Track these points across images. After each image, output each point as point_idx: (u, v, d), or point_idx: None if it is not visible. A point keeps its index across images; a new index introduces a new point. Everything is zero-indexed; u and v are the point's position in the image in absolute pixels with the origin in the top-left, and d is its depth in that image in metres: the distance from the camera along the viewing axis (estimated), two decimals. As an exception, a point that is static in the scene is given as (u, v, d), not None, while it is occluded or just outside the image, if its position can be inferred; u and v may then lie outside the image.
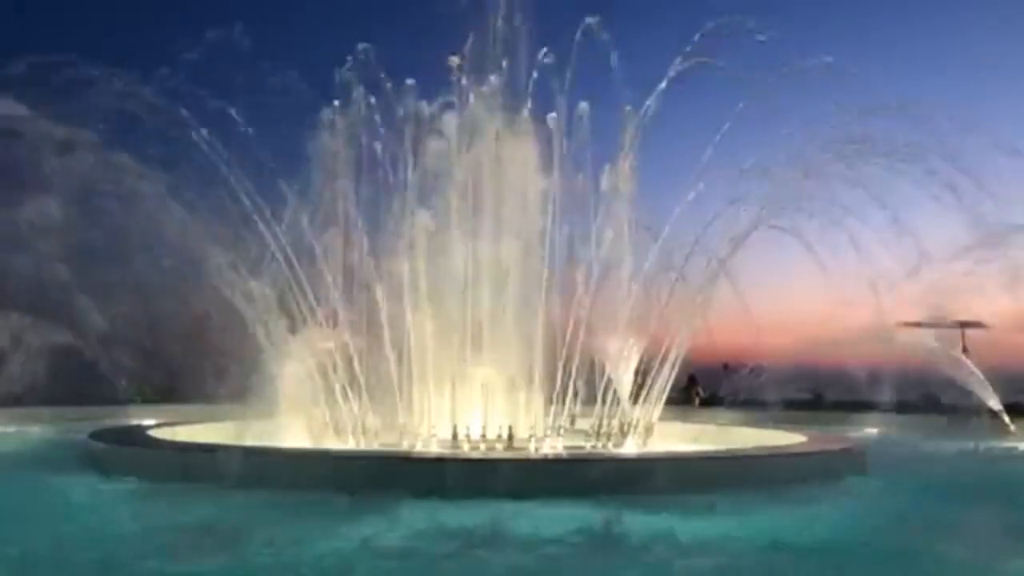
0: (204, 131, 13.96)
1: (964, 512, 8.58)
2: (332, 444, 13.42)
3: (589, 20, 15.15)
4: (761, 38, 14.43)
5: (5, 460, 12.78)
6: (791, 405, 23.42)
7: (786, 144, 14.73)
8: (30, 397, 17.44)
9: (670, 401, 15.58)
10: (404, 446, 13.05)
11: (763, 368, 18.21)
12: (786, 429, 15.11)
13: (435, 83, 15.41)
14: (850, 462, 12.03)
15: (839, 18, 36.83)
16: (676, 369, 14.76)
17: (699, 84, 15.77)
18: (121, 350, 15.99)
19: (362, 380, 13.93)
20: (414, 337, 13.95)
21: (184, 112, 13.90)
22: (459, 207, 14.65)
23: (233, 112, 14.39)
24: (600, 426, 14.26)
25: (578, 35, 15.11)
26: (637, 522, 7.54)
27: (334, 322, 14.23)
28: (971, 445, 15.76)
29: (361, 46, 15.42)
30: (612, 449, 13.78)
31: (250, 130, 14.39)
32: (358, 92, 15.29)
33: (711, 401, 26.63)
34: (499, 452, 12.67)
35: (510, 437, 13.21)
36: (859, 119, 14.13)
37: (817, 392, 26.84)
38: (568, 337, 14.43)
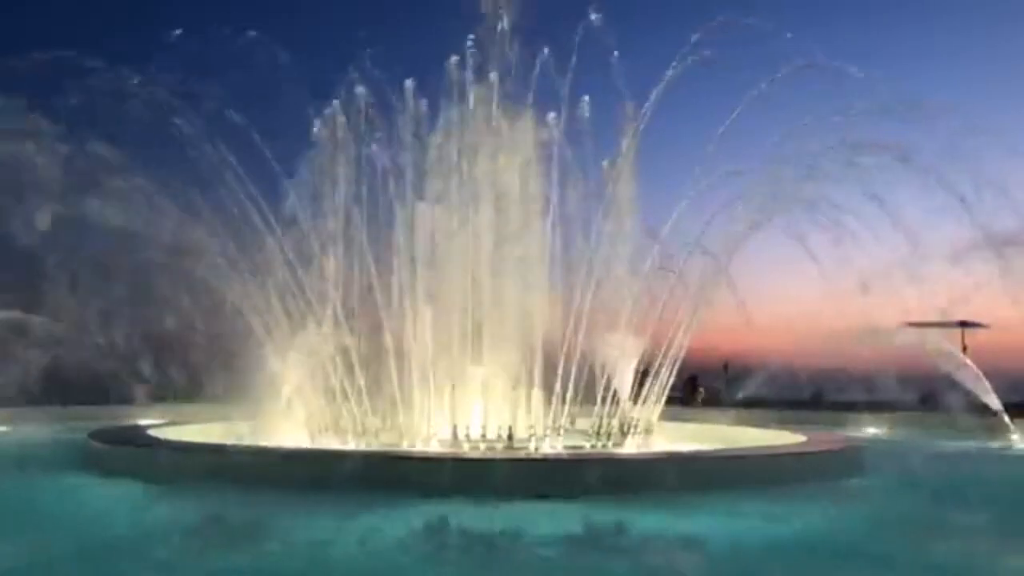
0: (202, 129, 13.98)
1: (962, 512, 8.55)
2: (332, 444, 13.41)
3: (591, 17, 15.12)
4: (762, 36, 14.43)
5: (4, 460, 12.77)
6: (791, 405, 23.47)
7: (786, 144, 14.74)
8: (27, 396, 17.43)
9: (670, 401, 15.57)
10: (404, 446, 13.06)
11: (763, 368, 18.24)
12: (786, 429, 15.11)
13: (435, 81, 15.41)
14: (849, 462, 12.04)
15: (840, 17, 36.84)
16: (676, 369, 14.76)
17: (699, 84, 15.76)
18: (120, 350, 15.98)
19: (361, 380, 13.93)
20: (414, 337, 13.94)
21: (182, 108, 13.91)
22: (459, 206, 14.64)
23: (232, 111, 14.41)
24: (600, 426, 14.25)
25: (579, 32, 15.08)
26: (635, 521, 7.53)
27: (334, 321, 14.21)
28: (971, 445, 15.76)
29: (362, 43, 15.43)
30: (612, 449, 13.78)
31: (250, 129, 14.42)
32: (358, 89, 15.28)
33: (712, 401, 26.67)
34: (499, 452, 12.68)
35: (510, 437, 13.21)
36: (860, 118, 14.12)
37: (817, 392, 26.86)
38: (568, 337, 14.41)
